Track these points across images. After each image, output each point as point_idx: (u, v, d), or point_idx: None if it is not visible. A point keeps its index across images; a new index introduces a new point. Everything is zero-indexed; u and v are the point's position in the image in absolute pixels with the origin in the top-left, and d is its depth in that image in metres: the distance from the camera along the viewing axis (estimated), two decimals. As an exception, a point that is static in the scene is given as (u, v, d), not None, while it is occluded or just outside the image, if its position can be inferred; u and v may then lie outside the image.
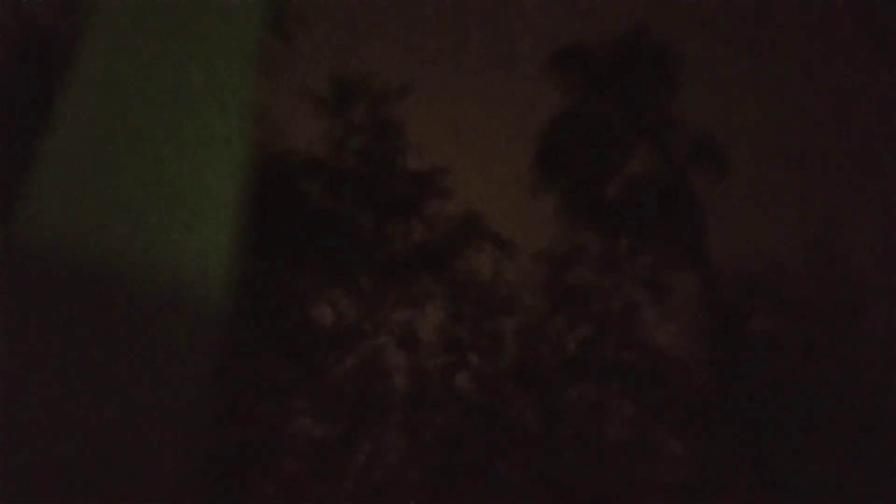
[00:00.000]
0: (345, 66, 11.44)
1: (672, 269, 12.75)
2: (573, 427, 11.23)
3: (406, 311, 11.04)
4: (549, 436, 11.09)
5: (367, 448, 10.62)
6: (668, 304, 12.59)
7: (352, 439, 10.46)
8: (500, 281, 11.52)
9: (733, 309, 12.38)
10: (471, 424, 10.77)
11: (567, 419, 11.20)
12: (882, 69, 13.15)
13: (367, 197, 10.85)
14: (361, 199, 10.88)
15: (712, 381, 11.87)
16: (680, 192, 12.78)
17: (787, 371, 11.45)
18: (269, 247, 10.29)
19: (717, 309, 12.41)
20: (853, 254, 12.59)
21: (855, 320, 12.03)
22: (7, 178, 7.41)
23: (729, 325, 11.97)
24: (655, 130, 12.89)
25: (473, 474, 10.71)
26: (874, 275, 12.02)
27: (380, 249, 11.11)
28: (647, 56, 12.68)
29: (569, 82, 12.96)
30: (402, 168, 11.23)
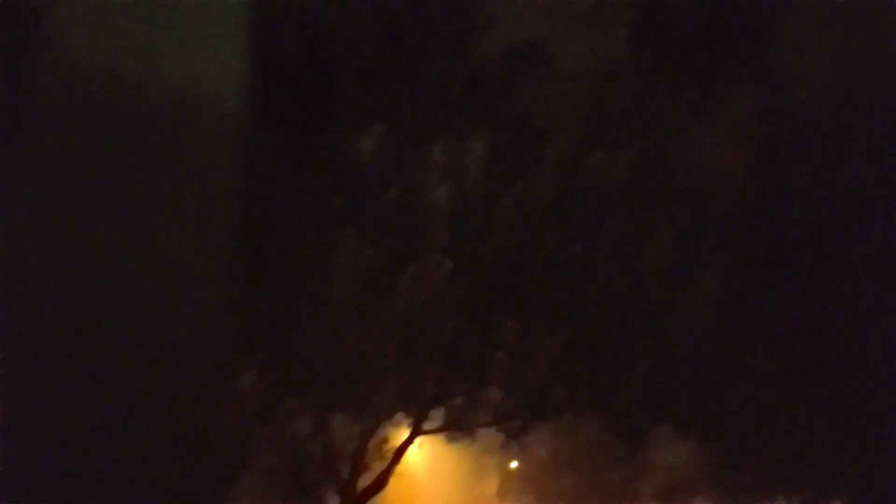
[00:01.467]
0: None
1: (731, 88, 12.34)
2: (615, 250, 11.58)
3: (449, 142, 11.32)
4: (590, 260, 11.50)
5: (412, 271, 11.37)
6: (725, 128, 12.30)
7: (397, 264, 11.20)
8: (545, 108, 11.53)
9: (791, 134, 12.00)
10: (512, 250, 11.29)
11: (609, 244, 11.52)
12: None
13: (404, 22, 10.87)
14: (399, 25, 10.91)
15: (762, 208, 11.79)
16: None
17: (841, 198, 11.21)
18: (307, 74, 10.60)
19: (774, 133, 12.05)
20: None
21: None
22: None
23: (783, 150, 11.67)
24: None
25: (513, 296, 11.37)
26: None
27: (422, 80, 11.25)
28: None
29: None
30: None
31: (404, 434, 13.32)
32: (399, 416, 13.54)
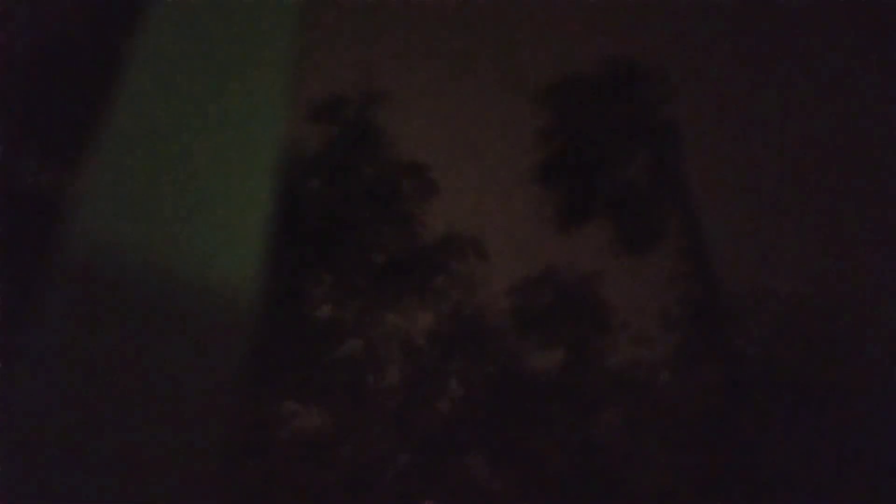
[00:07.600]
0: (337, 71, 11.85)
1: (663, 283, 12.71)
2: (561, 429, 11.42)
3: (398, 311, 11.30)
4: (536, 436, 11.29)
5: (356, 439, 10.86)
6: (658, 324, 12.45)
7: (342, 432, 10.69)
8: (474, 300, 11.74)
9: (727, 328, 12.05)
10: (460, 425, 11.02)
11: (554, 423, 11.38)
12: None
13: (357, 193, 11.14)
14: (352, 196, 11.16)
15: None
16: (675, 203, 12.75)
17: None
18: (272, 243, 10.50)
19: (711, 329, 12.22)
20: (857, 277, 11.97)
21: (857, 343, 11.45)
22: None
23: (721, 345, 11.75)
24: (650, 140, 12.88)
25: (459, 472, 10.95)
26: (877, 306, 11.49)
27: (370, 250, 11.38)
28: (640, 74, 12.77)
29: (563, 107, 12.97)
30: (387, 161, 11.50)
31: None
32: None
